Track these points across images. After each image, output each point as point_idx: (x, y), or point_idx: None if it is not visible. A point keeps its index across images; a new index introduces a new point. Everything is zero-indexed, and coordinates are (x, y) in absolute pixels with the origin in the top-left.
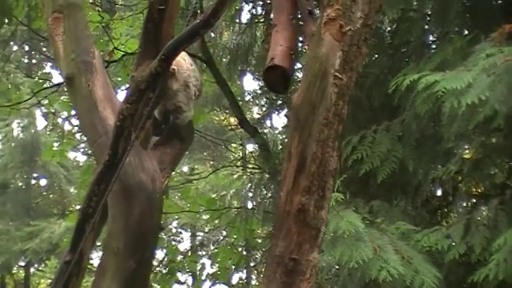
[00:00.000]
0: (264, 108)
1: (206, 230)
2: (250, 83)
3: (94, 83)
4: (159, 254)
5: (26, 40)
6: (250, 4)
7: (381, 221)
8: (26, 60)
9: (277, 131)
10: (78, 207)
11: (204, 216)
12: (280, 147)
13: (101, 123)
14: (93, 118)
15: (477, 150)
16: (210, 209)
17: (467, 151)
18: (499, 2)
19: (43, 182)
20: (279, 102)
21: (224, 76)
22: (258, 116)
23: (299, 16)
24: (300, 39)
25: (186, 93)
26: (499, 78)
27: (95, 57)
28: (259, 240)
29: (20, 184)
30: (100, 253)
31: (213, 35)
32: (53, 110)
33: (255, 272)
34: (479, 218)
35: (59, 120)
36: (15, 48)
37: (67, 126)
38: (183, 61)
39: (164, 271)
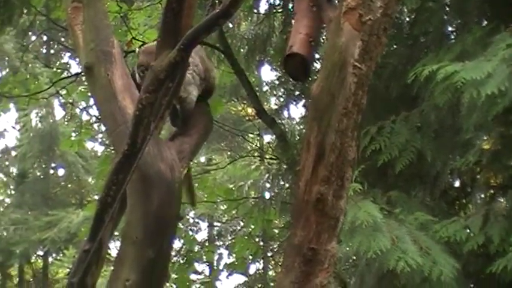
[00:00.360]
0: (281, 99)
1: (223, 220)
2: (268, 74)
3: (113, 73)
4: (177, 244)
5: (44, 30)
6: None
7: (399, 211)
8: (44, 51)
9: (294, 122)
10: (96, 197)
11: (221, 206)
12: (298, 137)
13: (120, 113)
14: (112, 108)
15: (496, 141)
16: (228, 199)
17: (486, 142)
18: None
19: (61, 171)
20: (297, 92)
21: (242, 66)
22: (276, 107)
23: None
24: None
25: None
26: None
27: (114, 46)
28: (277, 231)
29: (38, 174)
30: (118, 242)
31: (231, 25)
32: (71, 100)
33: (272, 262)
34: (497, 209)
35: (77, 110)
36: (33, 38)
37: (85, 117)
38: None
39: (181, 261)
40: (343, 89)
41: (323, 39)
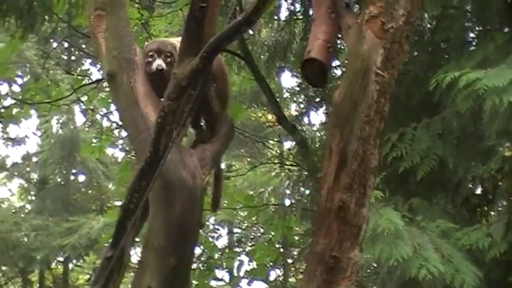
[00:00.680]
0: (302, 105)
1: (243, 226)
2: (289, 80)
3: (135, 80)
4: (197, 250)
5: (66, 37)
6: (289, 0)
7: (421, 219)
8: (65, 57)
9: (315, 128)
10: (116, 203)
11: (241, 213)
12: (318, 144)
13: (142, 120)
14: (134, 115)
15: None
16: (248, 205)
17: (508, 149)
18: None
19: (81, 178)
20: (317, 99)
21: (262, 73)
22: (296, 113)
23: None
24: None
25: None
26: None
27: (136, 54)
28: (297, 238)
29: (59, 180)
30: (139, 249)
31: (251, 32)
32: (91, 107)
33: (293, 269)
34: None
35: (98, 117)
36: (55, 45)
37: (105, 123)
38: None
39: (202, 267)
40: (366, 97)
41: (341, 46)
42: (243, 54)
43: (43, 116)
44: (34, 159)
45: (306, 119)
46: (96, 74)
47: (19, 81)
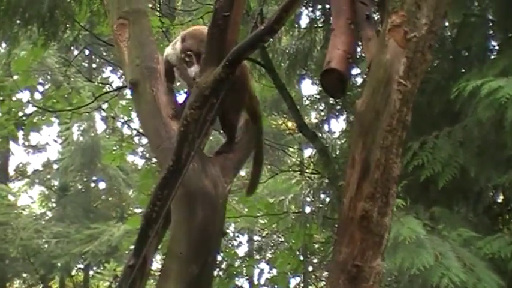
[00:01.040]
0: (322, 113)
1: (264, 234)
2: (309, 88)
3: (158, 89)
4: (218, 258)
5: (87, 45)
6: (309, 8)
7: (442, 227)
8: (86, 65)
9: (335, 136)
10: (136, 210)
11: (261, 220)
12: (339, 152)
13: (164, 129)
14: (156, 123)
15: None
16: (269, 213)
17: None
18: None
19: (102, 185)
20: (338, 107)
21: (283, 81)
22: (316, 121)
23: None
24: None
25: None
26: None
27: (159, 63)
28: (317, 246)
29: (80, 187)
30: (159, 257)
31: (272, 40)
32: (112, 114)
33: (313, 277)
34: None
35: (118, 124)
36: (76, 52)
37: (126, 130)
38: None
39: (222, 275)
40: (388, 106)
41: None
42: (263, 62)
43: (64, 123)
44: (55, 166)
45: (326, 127)
46: (116, 82)
47: (40, 88)
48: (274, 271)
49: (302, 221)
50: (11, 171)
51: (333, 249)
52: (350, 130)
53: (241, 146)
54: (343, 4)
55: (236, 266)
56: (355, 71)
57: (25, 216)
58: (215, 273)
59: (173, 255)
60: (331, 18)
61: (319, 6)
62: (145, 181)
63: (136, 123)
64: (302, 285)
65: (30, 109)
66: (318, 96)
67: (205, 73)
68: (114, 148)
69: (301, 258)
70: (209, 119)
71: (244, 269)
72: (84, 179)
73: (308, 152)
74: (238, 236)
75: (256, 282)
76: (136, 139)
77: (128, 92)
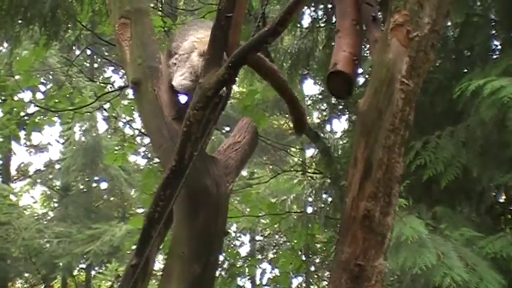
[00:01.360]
0: (324, 113)
1: (266, 234)
2: (311, 88)
3: (160, 88)
4: (220, 258)
5: (89, 44)
6: (312, 8)
7: (445, 227)
8: (87, 64)
9: (337, 136)
10: (138, 210)
11: (263, 220)
12: (341, 152)
13: (166, 128)
14: (158, 123)
15: None
16: (271, 213)
17: None
18: None
19: (104, 185)
20: (340, 107)
21: None
22: (318, 121)
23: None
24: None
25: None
26: None
27: (160, 62)
28: (319, 245)
29: (82, 187)
30: (161, 257)
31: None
32: (114, 114)
33: (315, 276)
34: None
35: (120, 124)
36: (77, 52)
37: (128, 130)
38: None
39: (224, 275)
40: (391, 105)
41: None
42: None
43: (66, 123)
44: (57, 166)
45: (328, 127)
46: (118, 82)
47: (42, 88)
48: (277, 271)
49: (304, 221)
50: (13, 171)
51: (335, 249)
52: (352, 130)
53: (243, 145)
54: (348, 5)
55: (238, 266)
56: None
57: (27, 216)
58: (217, 273)
59: (175, 255)
60: (336, 19)
61: (321, 6)
62: (147, 181)
63: (138, 123)
64: (304, 285)
65: (32, 109)
66: (320, 96)
67: (208, 74)
68: (116, 148)
69: (303, 258)
70: (212, 119)
71: (247, 268)
72: (86, 179)
73: (310, 152)
74: (240, 236)
75: (258, 282)
76: (138, 139)
77: (129, 92)
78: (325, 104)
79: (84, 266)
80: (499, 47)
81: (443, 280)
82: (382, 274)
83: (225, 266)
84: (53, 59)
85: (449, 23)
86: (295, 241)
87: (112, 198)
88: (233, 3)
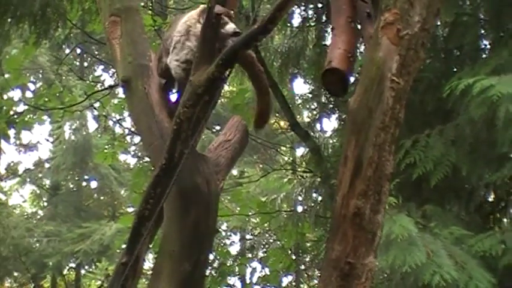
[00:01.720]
0: (314, 112)
1: (256, 233)
2: (301, 87)
3: (150, 86)
4: (210, 257)
5: (79, 43)
6: (302, 7)
7: (434, 225)
8: (78, 63)
9: (327, 135)
10: (128, 209)
11: (253, 219)
12: (331, 150)
13: (156, 126)
14: (149, 121)
15: None
16: (261, 212)
17: None
18: None
19: (94, 184)
20: (330, 106)
21: (275, 79)
22: (309, 120)
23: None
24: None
25: None
26: None
27: (151, 60)
28: (309, 244)
29: (71, 186)
30: (151, 256)
31: (264, 38)
32: (104, 113)
33: (305, 275)
34: None
35: (110, 123)
36: (67, 51)
37: (118, 129)
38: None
39: (214, 274)
40: (381, 103)
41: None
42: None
43: (56, 122)
44: (46, 165)
45: (318, 126)
46: (108, 80)
47: (32, 87)
48: (267, 270)
49: (294, 220)
50: (3, 170)
51: (326, 247)
52: (342, 129)
53: (233, 144)
54: (343, 3)
55: (228, 264)
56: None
57: (16, 215)
58: (207, 271)
59: (165, 253)
60: (331, 17)
61: (312, 5)
62: (138, 180)
63: (128, 122)
64: (294, 284)
65: (21, 107)
66: (310, 95)
67: (198, 71)
68: (106, 147)
69: (294, 257)
70: (202, 117)
71: (237, 267)
72: (76, 178)
73: (300, 150)
74: (230, 235)
75: (248, 281)
76: (128, 138)
77: (120, 91)
78: (315, 103)
79: (74, 265)
80: (488, 46)
81: (433, 278)
82: (372, 272)
83: (215, 264)
84: (42, 58)
85: (438, 22)
86: (285, 240)
87: (102, 197)
88: (223, 1)
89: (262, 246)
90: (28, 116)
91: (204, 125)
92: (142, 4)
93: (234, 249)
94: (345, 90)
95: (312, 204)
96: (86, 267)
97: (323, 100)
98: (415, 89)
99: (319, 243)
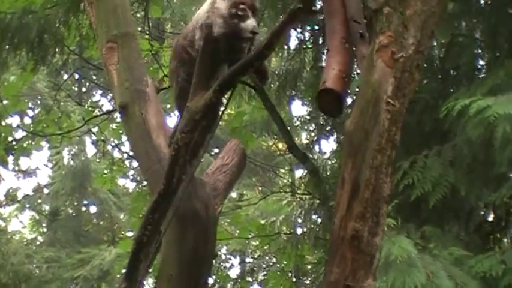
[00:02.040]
0: (312, 134)
1: (255, 256)
2: (299, 109)
3: (147, 111)
4: (210, 281)
5: (77, 69)
6: (298, 30)
7: (434, 246)
8: (75, 89)
9: (326, 156)
10: (128, 233)
11: (253, 242)
12: (330, 172)
13: (154, 151)
14: (146, 146)
15: None
16: (260, 235)
17: None
18: None
19: (93, 209)
20: (328, 127)
21: (273, 102)
22: (307, 142)
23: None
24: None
25: None
26: None
27: (148, 85)
28: (309, 266)
29: (71, 211)
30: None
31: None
32: (102, 138)
33: None
34: None
35: (109, 148)
36: (65, 76)
37: (116, 154)
38: None
39: None
40: (377, 126)
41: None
42: (253, 84)
43: (54, 147)
44: (45, 190)
45: (316, 147)
46: (106, 105)
47: (30, 113)
48: None
49: (294, 242)
50: (2, 196)
51: (325, 269)
52: (340, 150)
53: (231, 167)
54: (337, 23)
55: None
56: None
57: (16, 241)
58: None
59: (164, 278)
60: (326, 38)
61: (308, 28)
62: (137, 204)
63: (127, 147)
64: None
65: (20, 134)
66: (308, 117)
67: (196, 97)
68: (105, 172)
69: (294, 279)
70: (200, 142)
71: None
72: (75, 203)
73: (299, 172)
74: (230, 258)
75: None
76: (127, 162)
77: (118, 115)
78: (313, 125)
79: None
80: (485, 66)
81: None
82: None
83: None
84: (40, 84)
85: (435, 43)
86: (285, 262)
87: (101, 222)
88: None
89: (262, 269)
90: (26, 142)
91: (203, 151)
92: (139, 29)
93: (234, 273)
94: (340, 111)
95: (311, 226)
96: None
97: (321, 122)
98: (412, 109)
99: (318, 265)
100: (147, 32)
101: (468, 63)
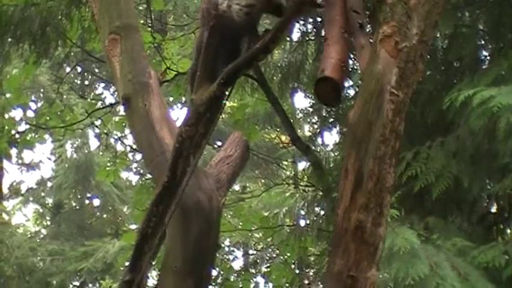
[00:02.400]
0: (315, 126)
1: (259, 248)
2: (302, 101)
3: (150, 103)
4: (213, 273)
5: (79, 61)
6: (301, 22)
7: (437, 237)
8: (78, 82)
9: (328, 148)
10: (131, 226)
11: (256, 234)
12: (333, 164)
13: (157, 143)
14: (150, 138)
15: None
16: (263, 227)
17: None
18: None
19: (96, 202)
20: (331, 119)
21: (276, 94)
22: (310, 134)
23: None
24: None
25: None
26: None
27: (151, 77)
28: (313, 258)
29: (74, 204)
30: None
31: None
32: (105, 131)
33: None
34: None
35: (112, 141)
36: (68, 69)
37: (119, 146)
38: None
39: None
40: (381, 116)
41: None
42: (256, 76)
43: (57, 140)
44: (49, 184)
45: (319, 140)
46: (109, 98)
47: (33, 106)
48: (270, 285)
49: (297, 234)
50: (5, 190)
51: (328, 260)
52: (343, 142)
53: (234, 159)
54: (336, 13)
55: (232, 280)
56: (347, 83)
57: (20, 234)
58: (210, 287)
59: (168, 270)
60: (325, 27)
61: (311, 20)
62: (140, 197)
63: (129, 139)
64: None
65: (23, 127)
66: (310, 109)
67: (200, 90)
68: (108, 164)
69: (297, 271)
70: (204, 135)
71: (240, 283)
72: (79, 196)
73: (302, 165)
74: (233, 250)
75: None
76: (130, 155)
77: (121, 108)
78: (316, 117)
79: (77, 283)
80: (488, 57)
81: None
82: (374, 285)
83: (219, 280)
84: (43, 77)
85: (438, 34)
86: (288, 254)
87: (105, 215)
88: None
89: (265, 261)
90: (30, 135)
91: (204, 141)
92: (141, 21)
93: (237, 265)
94: (338, 101)
95: (314, 218)
96: (90, 285)
97: (324, 114)
98: (416, 101)
99: (322, 257)
100: (150, 25)
101: (471, 54)
